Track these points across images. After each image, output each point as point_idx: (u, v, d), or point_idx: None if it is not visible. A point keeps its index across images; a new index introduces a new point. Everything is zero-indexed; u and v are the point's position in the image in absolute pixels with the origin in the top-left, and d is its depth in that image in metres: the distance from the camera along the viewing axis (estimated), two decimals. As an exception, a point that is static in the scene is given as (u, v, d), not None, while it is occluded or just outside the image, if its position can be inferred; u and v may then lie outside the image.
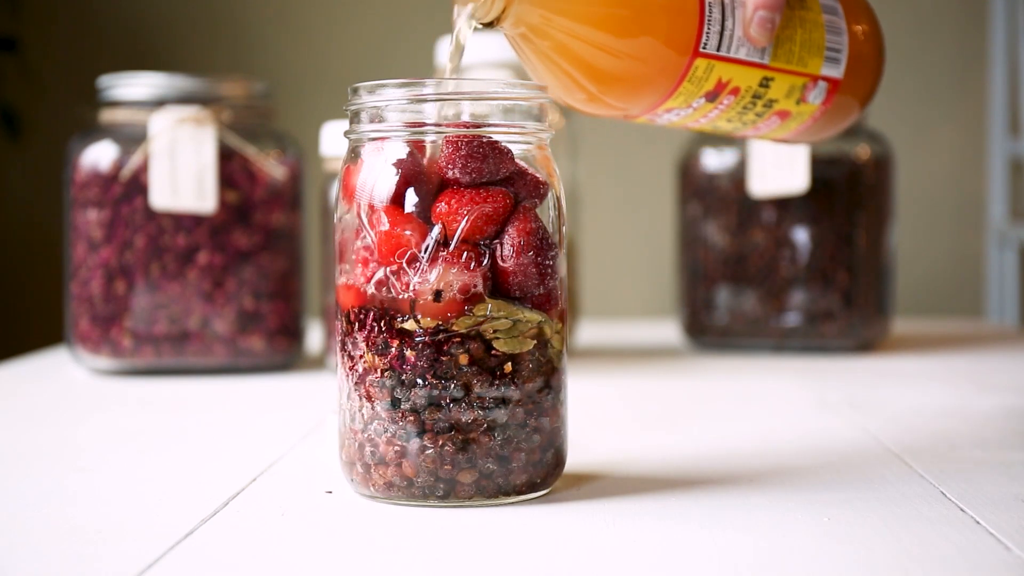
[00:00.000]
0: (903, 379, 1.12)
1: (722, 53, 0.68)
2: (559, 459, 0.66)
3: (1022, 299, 2.08)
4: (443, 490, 0.63)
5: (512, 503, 0.64)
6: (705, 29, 0.67)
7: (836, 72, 0.72)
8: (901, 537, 0.58)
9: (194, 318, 1.13)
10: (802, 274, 1.26)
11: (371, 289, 0.63)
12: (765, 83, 0.70)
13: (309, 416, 0.93)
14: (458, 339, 0.62)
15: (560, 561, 0.55)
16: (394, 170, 0.63)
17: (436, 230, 0.62)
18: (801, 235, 1.26)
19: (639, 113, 0.71)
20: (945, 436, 0.83)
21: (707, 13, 0.68)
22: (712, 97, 0.70)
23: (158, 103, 1.15)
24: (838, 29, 0.72)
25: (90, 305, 1.13)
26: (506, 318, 0.62)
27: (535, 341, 0.63)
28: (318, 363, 1.21)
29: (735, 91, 0.70)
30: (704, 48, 0.68)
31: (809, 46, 0.71)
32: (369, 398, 0.63)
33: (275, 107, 1.22)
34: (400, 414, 0.63)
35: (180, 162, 1.12)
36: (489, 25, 0.67)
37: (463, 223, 0.62)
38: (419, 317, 0.62)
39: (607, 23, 0.67)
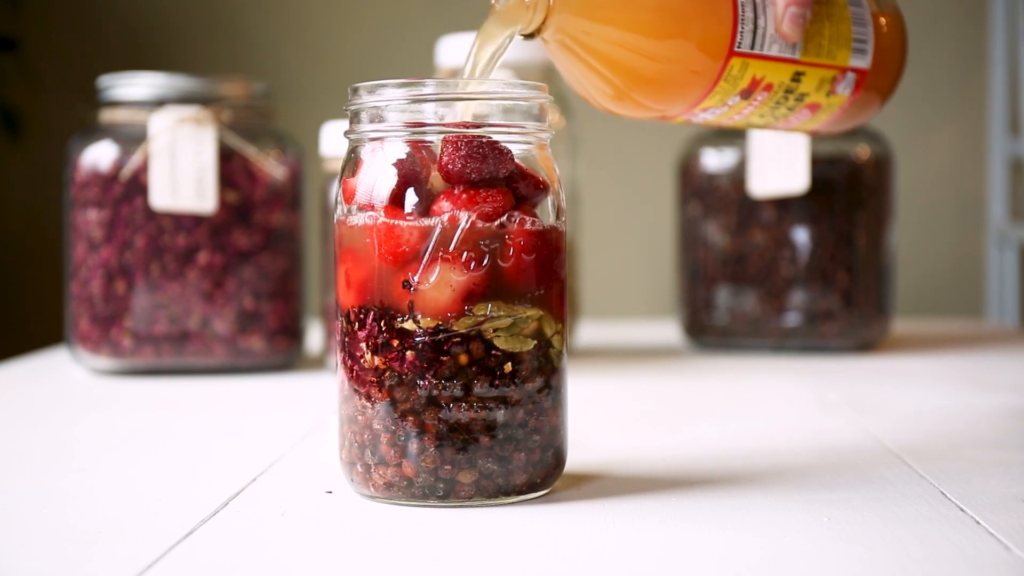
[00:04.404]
0: (903, 379, 1.12)
1: (756, 51, 0.70)
2: (559, 459, 0.66)
3: (1022, 299, 2.07)
4: (443, 490, 0.63)
5: (512, 503, 0.64)
6: (739, 28, 0.69)
7: (863, 63, 0.73)
8: (901, 537, 0.58)
9: (194, 318, 1.13)
10: (802, 274, 1.26)
11: (371, 289, 0.63)
12: (797, 78, 0.72)
13: (309, 416, 0.93)
14: (458, 339, 0.62)
15: (560, 561, 0.55)
16: (394, 170, 0.63)
17: (436, 230, 0.62)
18: (801, 235, 1.26)
19: (677, 114, 0.73)
20: (945, 436, 0.83)
21: (740, 13, 0.69)
22: (747, 94, 0.71)
23: (158, 103, 1.15)
24: (863, 20, 0.73)
25: (90, 305, 1.13)
26: (506, 317, 0.62)
27: (535, 341, 0.63)
28: (318, 363, 1.21)
29: (768, 87, 0.72)
30: (739, 47, 0.69)
31: (837, 39, 0.72)
32: (369, 398, 0.63)
33: (275, 107, 1.22)
34: (400, 414, 0.63)
35: (180, 162, 1.12)
36: (530, 36, 0.68)
37: (463, 223, 0.62)
38: (419, 317, 0.62)
39: (646, 28, 0.68)
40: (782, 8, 0.70)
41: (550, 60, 1.20)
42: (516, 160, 0.64)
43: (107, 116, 1.16)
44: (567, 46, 0.69)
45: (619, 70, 0.69)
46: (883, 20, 0.75)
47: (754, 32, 0.69)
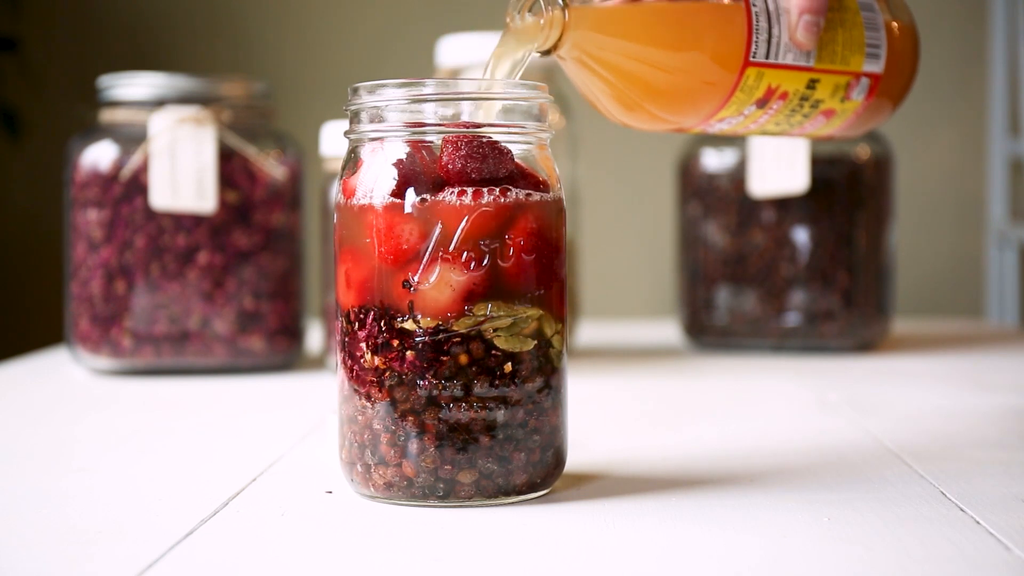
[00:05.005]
0: (903, 379, 1.12)
1: (771, 60, 0.70)
2: (559, 459, 0.66)
3: (1022, 299, 2.07)
4: (443, 490, 0.63)
5: (512, 503, 0.64)
6: (754, 38, 0.69)
7: (877, 67, 0.74)
8: (901, 537, 0.58)
9: (194, 318, 1.13)
10: (802, 274, 1.26)
11: (371, 289, 0.63)
12: (811, 85, 0.72)
13: (309, 416, 0.93)
14: (458, 339, 0.62)
15: (560, 561, 0.55)
16: (394, 170, 0.63)
17: (436, 230, 0.62)
18: (801, 235, 1.26)
19: (693, 125, 0.73)
20: (945, 436, 0.83)
21: (754, 23, 0.69)
22: (762, 103, 0.72)
23: (158, 103, 1.15)
24: (876, 25, 0.74)
25: (90, 305, 1.13)
26: (506, 317, 0.62)
27: (535, 341, 0.63)
28: (318, 363, 1.21)
29: (784, 96, 0.72)
30: (754, 57, 0.69)
31: (850, 44, 0.72)
32: (369, 398, 0.63)
33: (275, 107, 1.22)
34: (400, 414, 0.63)
35: (180, 162, 1.12)
36: (546, 53, 0.69)
37: (463, 223, 0.62)
38: (419, 317, 0.62)
39: (661, 42, 0.68)
40: (796, 16, 0.70)
41: (550, 60, 1.20)
42: (516, 160, 0.64)
43: (107, 116, 1.16)
44: (583, 62, 0.69)
45: (636, 84, 0.69)
46: (895, 25, 0.75)
47: (768, 41, 0.70)
